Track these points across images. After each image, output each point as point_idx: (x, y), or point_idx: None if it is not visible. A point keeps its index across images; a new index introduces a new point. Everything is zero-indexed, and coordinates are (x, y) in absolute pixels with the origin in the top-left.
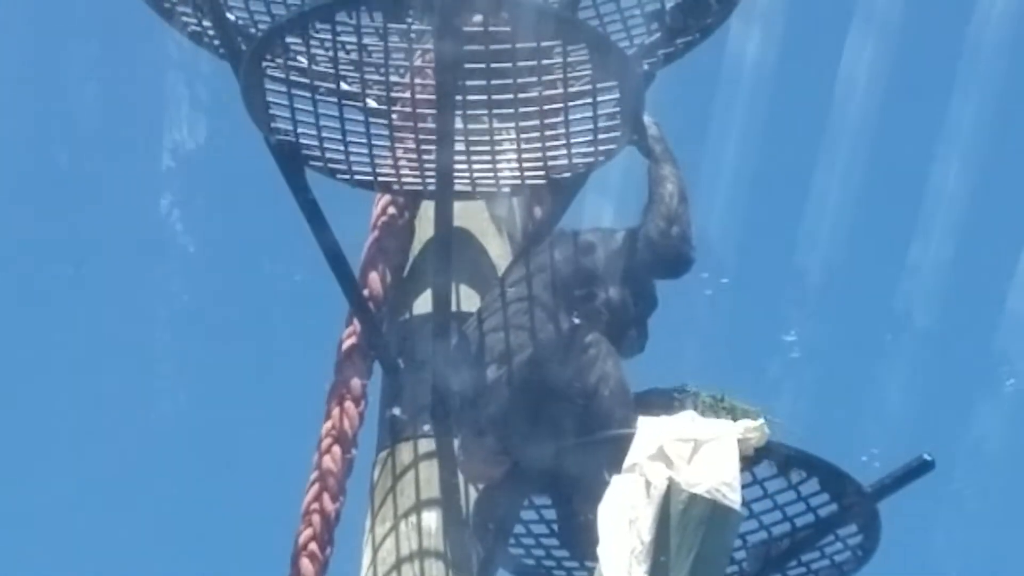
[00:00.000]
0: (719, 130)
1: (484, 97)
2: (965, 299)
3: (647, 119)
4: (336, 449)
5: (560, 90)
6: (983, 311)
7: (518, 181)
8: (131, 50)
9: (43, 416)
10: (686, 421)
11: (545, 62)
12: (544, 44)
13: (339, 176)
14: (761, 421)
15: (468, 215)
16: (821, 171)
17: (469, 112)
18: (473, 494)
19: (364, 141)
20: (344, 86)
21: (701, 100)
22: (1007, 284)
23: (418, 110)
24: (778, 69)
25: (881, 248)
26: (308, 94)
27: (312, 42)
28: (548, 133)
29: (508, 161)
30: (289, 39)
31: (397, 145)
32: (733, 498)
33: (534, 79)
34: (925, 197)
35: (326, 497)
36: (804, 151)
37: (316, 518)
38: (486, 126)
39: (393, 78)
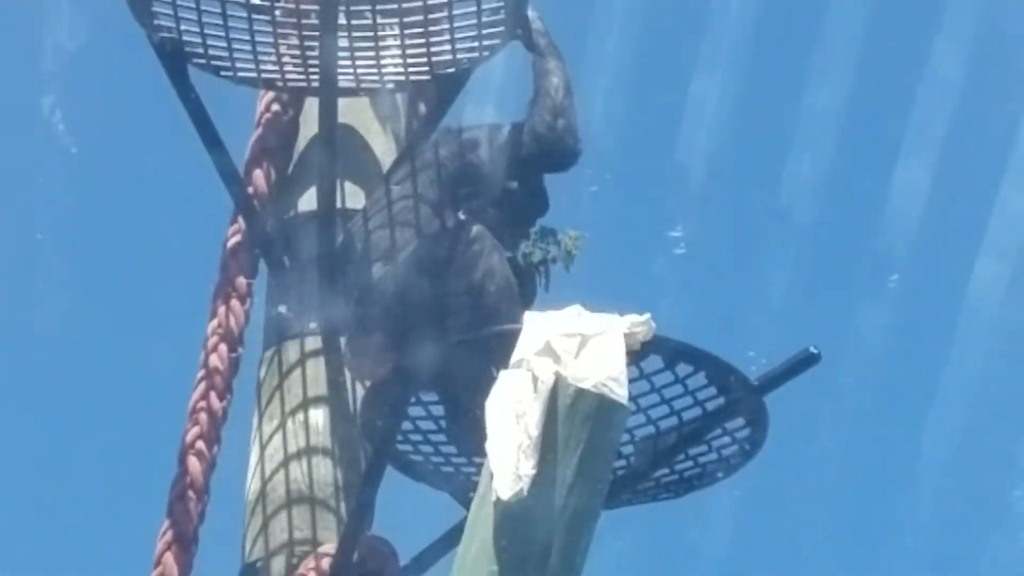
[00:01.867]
0: (603, 25)
1: None
2: (850, 194)
3: (531, 13)
4: (222, 348)
5: None
6: (868, 206)
7: (402, 77)
8: None
9: None
10: (573, 316)
11: None
12: None
13: (223, 73)
14: (647, 316)
15: (353, 112)
16: (703, 66)
17: (352, 7)
18: (360, 391)
19: (247, 38)
20: None
21: None
22: (889, 179)
23: (301, 6)
24: None
25: (765, 143)
26: None
27: None
28: (432, 28)
29: (392, 57)
30: None
31: (281, 42)
32: (620, 392)
33: None
34: (807, 92)
35: (213, 395)
36: (686, 46)
37: (203, 416)
38: (370, 21)
39: None
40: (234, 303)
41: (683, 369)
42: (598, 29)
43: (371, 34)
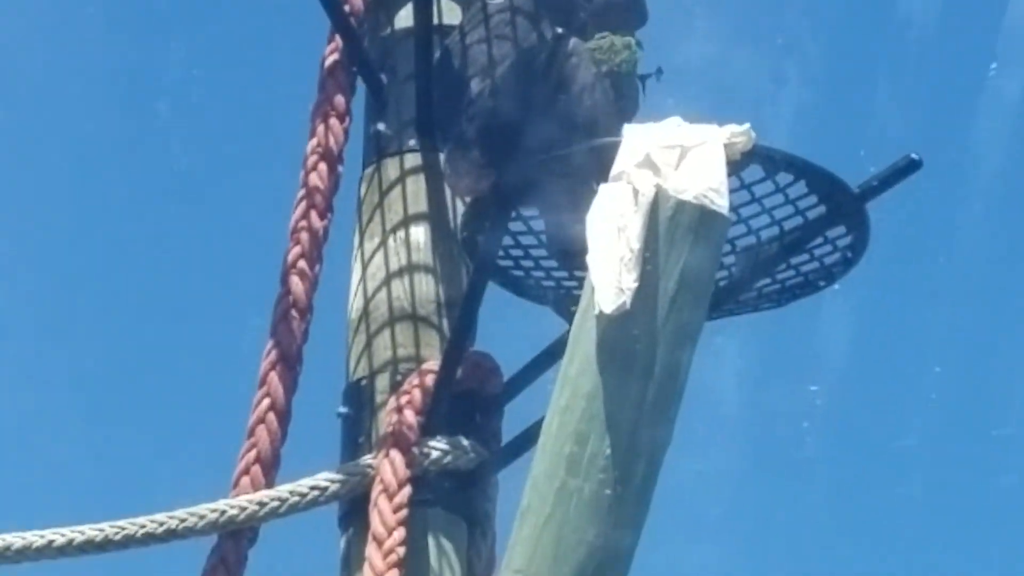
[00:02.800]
0: None
1: None
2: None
3: None
4: (322, 166)
5: None
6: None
7: None
8: None
9: None
10: (672, 127)
11: None
12: None
13: None
14: (747, 125)
15: None
16: None
17: None
18: (461, 208)
19: None
20: None
21: None
22: None
23: None
24: None
25: None
26: None
27: None
28: None
29: None
30: None
31: None
32: (721, 203)
33: None
34: None
35: (313, 214)
36: None
37: (304, 235)
38: None
39: None
40: (333, 121)
41: (784, 178)
42: None
43: None
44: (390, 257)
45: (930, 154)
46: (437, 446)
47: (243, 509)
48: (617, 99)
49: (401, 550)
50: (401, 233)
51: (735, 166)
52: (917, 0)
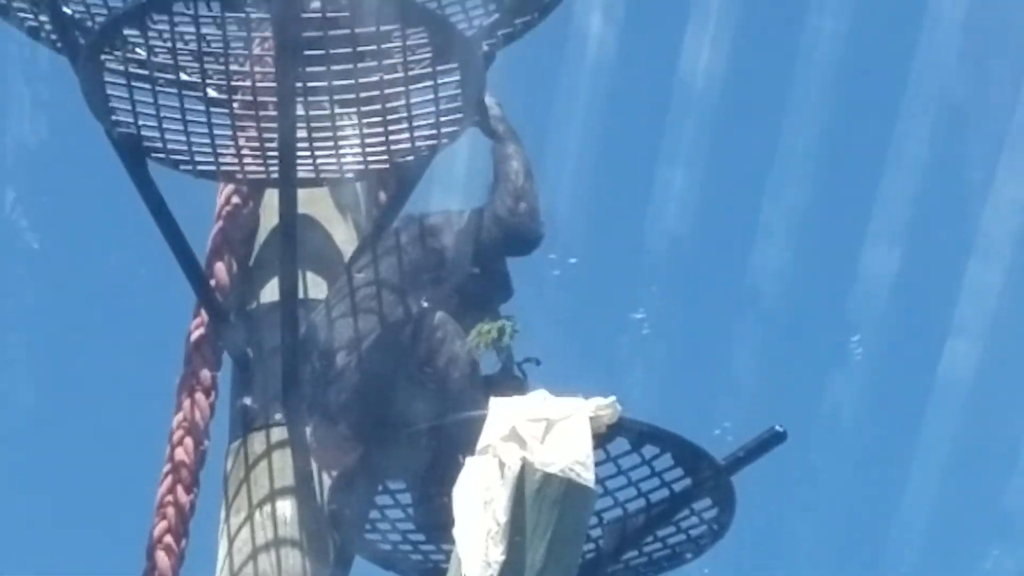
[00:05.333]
0: (566, 108)
1: (325, 83)
2: (816, 273)
3: (489, 99)
4: (188, 441)
5: (401, 73)
6: (829, 280)
7: (362, 166)
8: None
9: None
10: (538, 401)
11: (385, 46)
12: (383, 28)
13: (182, 167)
14: (612, 399)
15: (312, 201)
16: (665, 147)
17: (310, 98)
18: (327, 481)
19: (206, 131)
20: (184, 76)
21: (544, 79)
22: (856, 258)
23: (259, 98)
24: (619, 48)
25: (726, 220)
26: (148, 85)
27: (151, 33)
28: (390, 117)
29: (351, 146)
30: (127, 31)
31: (239, 134)
32: (587, 476)
33: (375, 63)
34: (772, 167)
35: (180, 489)
36: (648, 127)
37: (171, 510)
38: (327, 112)
39: (233, 67)
40: (199, 396)
41: (649, 450)
42: (561, 112)
43: (329, 124)
44: (256, 532)
45: (790, 421)
46: None
47: None
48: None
49: None
50: (268, 507)
51: (601, 439)
52: (771, 265)
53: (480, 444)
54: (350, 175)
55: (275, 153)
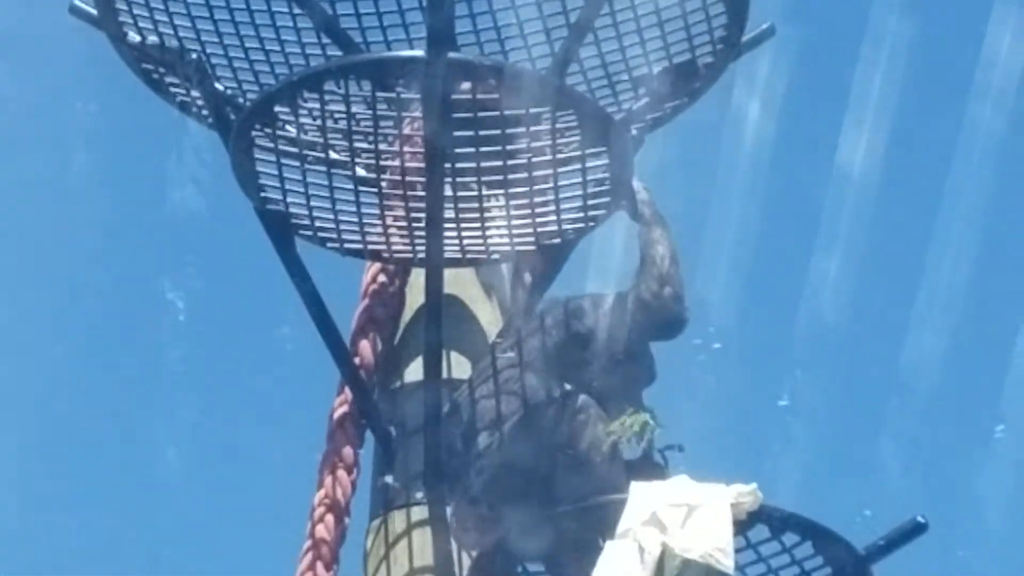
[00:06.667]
0: (722, 192)
1: (473, 164)
2: (963, 359)
3: (636, 183)
4: (329, 518)
5: (549, 156)
6: (982, 370)
7: (508, 248)
8: (123, 120)
9: None
10: (679, 486)
11: (534, 128)
12: (533, 110)
13: (329, 245)
14: (754, 485)
15: (458, 282)
16: (822, 233)
17: (458, 179)
18: (467, 561)
19: (354, 210)
20: (333, 155)
21: (696, 162)
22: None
23: (407, 178)
24: (776, 134)
25: (881, 309)
26: (297, 163)
27: (301, 111)
28: (537, 199)
29: (498, 228)
30: (278, 108)
31: (387, 213)
32: (727, 563)
33: (523, 145)
34: (927, 263)
35: (320, 566)
36: (802, 213)
37: None
38: (475, 193)
39: (382, 146)
40: (341, 473)
41: (790, 538)
42: (716, 196)
43: (476, 204)
44: None
45: (934, 511)
46: None
47: None
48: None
49: None
50: None
51: (741, 526)
52: (924, 352)
53: (620, 528)
54: (496, 255)
55: (422, 232)
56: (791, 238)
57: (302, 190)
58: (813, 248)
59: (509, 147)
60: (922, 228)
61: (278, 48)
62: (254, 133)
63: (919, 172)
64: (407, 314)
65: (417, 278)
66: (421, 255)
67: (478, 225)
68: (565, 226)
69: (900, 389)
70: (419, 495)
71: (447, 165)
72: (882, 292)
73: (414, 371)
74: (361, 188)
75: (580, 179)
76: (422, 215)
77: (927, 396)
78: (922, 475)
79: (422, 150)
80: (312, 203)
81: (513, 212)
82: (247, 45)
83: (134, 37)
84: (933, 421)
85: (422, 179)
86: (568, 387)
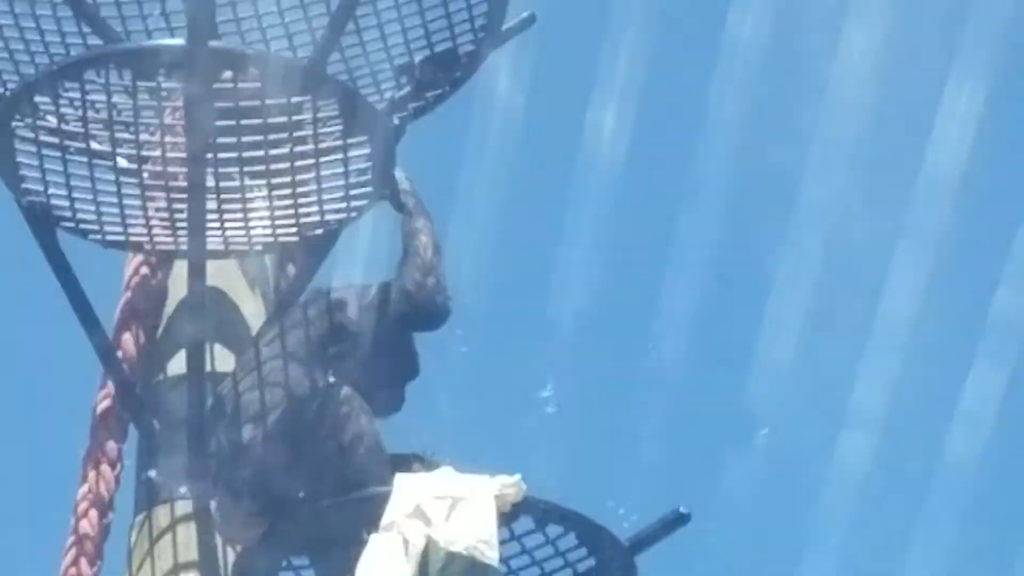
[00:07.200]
0: (471, 180)
1: (235, 154)
2: (717, 350)
3: (399, 173)
4: (93, 513)
5: (311, 146)
6: (734, 363)
7: (271, 239)
8: None
9: None
10: (443, 478)
11: (295, 118)
12: (294, 100)
13: (91, 236)
14: (517, 477)
15: (221, 274)
16: (571, 222)
17: (220, 169)
18: (232, 555)
19: (115, 201)
20: (94, 145)
21: (453, 151)
22: (756, 335)
23: (169, 168)
24: (527, 120)
25: (632, 300)
26: (59, 154)
27: (62, 101)
28: (300, 190)
29: (260, 219)
30: (38, 98)
31: (149, 204)
32: (491, 555)
33: (285, 135)
34: (676, 244)
35: (83, 562)
36: (554, 202)
37: None
38: (238, 183)
39: (143, 136)
40: (104, 468)
41: (554, 530)
42: (467, 184)
43: (239, 196)
44: None
45: (695, 500)
46: None
47: None
48: None
49: None
50: None
51: (506, 518)
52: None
53: (384, 521)
54: (259, 247)
55: (184, 224)
56: (546, 228)
57: (63, 181)
58: (563, 237)
59: (271, 137)
60: (670, 198)
61: (38, 38)
62: (15, 124)
63: (668, 150)
64: (170, 306)
65: (180, 270)
66: (184, 247)
67: (241, 215)
68: (328, 216)
69: (655, 377)
70: (183, 489)
71: (208, 155)
72: (634, 276)
73: (177, 364)
74: (123, 179)
75: (343, 169)
76: (184, 206)
77: (683, 385)
78: (681, 463)
79: (183, 140)
80: (74, 194)
81: (275, 203)
82: (6, 34)
83: None
84: (689, 410)
85: (184, 170)
86: (332, 379)
